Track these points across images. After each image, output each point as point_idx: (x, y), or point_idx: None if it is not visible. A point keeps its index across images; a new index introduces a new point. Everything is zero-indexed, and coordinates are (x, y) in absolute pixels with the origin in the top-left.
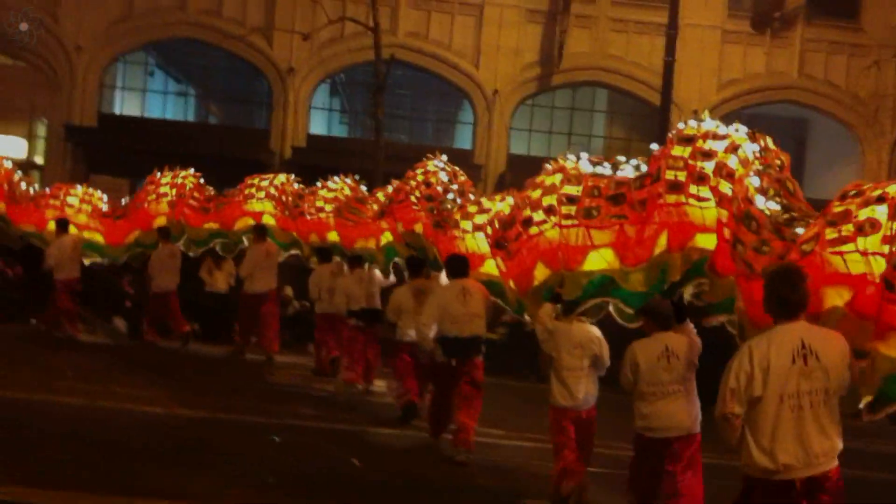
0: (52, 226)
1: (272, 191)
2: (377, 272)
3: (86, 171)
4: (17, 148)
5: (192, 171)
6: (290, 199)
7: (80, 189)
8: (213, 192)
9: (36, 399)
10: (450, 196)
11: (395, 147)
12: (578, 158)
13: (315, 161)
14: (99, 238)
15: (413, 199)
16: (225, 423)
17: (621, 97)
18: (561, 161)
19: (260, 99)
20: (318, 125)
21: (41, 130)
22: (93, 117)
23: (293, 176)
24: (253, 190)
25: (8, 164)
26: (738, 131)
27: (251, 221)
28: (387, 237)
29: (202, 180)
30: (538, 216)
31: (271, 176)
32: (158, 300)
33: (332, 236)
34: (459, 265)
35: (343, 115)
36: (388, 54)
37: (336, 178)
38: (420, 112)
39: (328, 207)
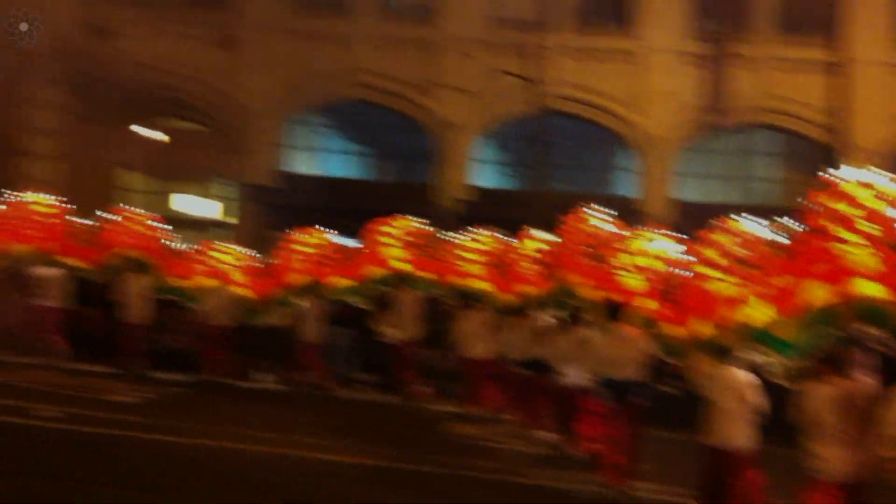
0: (202, 280)
1: (403, 236)
2: (544, 318)
3: (264, 227)
4: (200, 207)
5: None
6: (422, 240)
7: (231, 247)
8: (348, 248)
9: (226, 447)
10: (606, 243)
11: (556, 196)
12: (742, 215)
13: (479, 213)
14: (248, 293)
15: (572, 247)
16: (406, 474)
17: (785, 137)
18: (726, 220)
19: (425, 154)
20: (480, 177)
21: (222, 190)
22: (270, 177)
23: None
24: (383, 237)
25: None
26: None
27: (380, 270)
28: (548, 285)
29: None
30: (706, 270)
31: (399, 222)
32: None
33: (481, 285)
34: (616, 309)
35: (504, 166)
36: (546, 105)
37: (484, 230)
38: (580, 160)
39: (475, 257)
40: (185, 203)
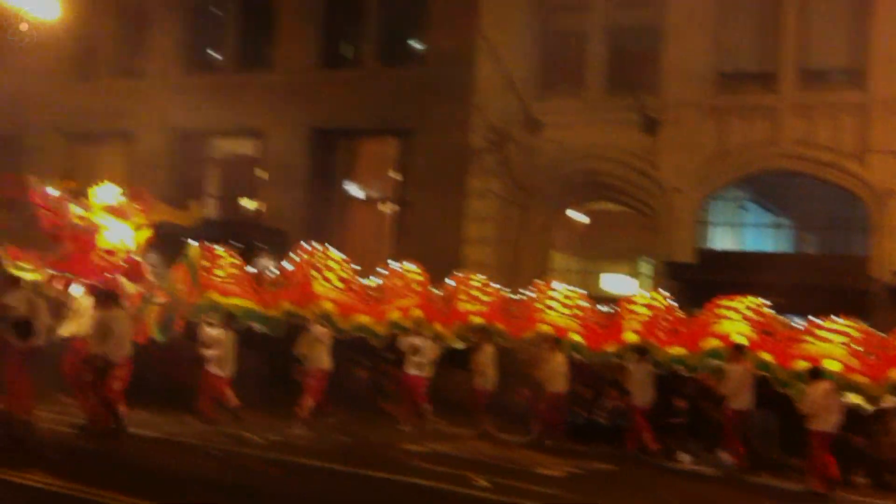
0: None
1: (747, 312)
2: None
3: (683, 304)
4: (624, 285)
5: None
6: (765, 320)
7: (562, 288)
8: (681, 314)
9: None
10: None
11: None
12: None
13: None
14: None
15: None
16: None
17: None
18: None
19: (857, 224)
20: None
21: (645, 268)
22: (691, 254)
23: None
24: (724, 311)
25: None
26: None
27: (716, 342)
28: None
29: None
30: None
31: (744, 297)
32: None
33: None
34: None
35: None
36: None
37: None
38: None
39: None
40: (612, 282)
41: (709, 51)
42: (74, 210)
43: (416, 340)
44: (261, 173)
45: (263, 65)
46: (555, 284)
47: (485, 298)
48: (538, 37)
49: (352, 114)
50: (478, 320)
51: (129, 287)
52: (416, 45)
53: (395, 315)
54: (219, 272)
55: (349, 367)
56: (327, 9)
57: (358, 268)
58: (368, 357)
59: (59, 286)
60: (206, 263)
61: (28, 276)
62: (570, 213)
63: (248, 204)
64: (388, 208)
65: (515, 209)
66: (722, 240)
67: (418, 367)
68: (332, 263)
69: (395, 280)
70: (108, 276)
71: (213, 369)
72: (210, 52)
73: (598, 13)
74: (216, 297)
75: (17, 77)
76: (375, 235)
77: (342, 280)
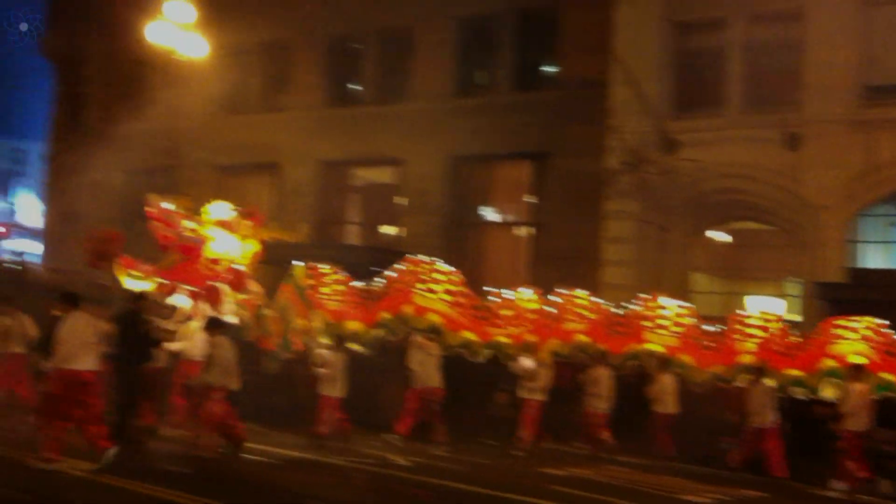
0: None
1: (866, 332)
2: None
3: None
4: (772, 306)
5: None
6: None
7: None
8: (797, 336)
9: None
10: None
11: None
12: None
13: None
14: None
15: None
16: None
17: None
18: None
19: None
20: None
21: (792, 289)
22: (840, 273)
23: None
24: (842, 331)
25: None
26: None
27: (832, 363)
28: None
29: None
30: None
31: (862, 318)
32: None
33: None
34: None
35: None
36: None
37: None
38: None
39: None
40: (758, 303)
41: (853, 64)
42: (186, 223)
43: (529, 363)
44: (399, 200)
45: (401, 95)
46: (662, 300)
47: (590, 316)
48: (673, 56)
49: (487, 139)
50: (583, 339)
51: (231, 295)
52: (550, 69)
53: (501, 336)
54: (324, 290)
55: (491, 391)
56: (461, 39)
57: (490, 290)
58: (507, 381)
59: (163, 293)
60: (310, 282)
61: (140, 284)
62: (711, 233)
63: (387, 230)
64: (523, 232)
65: (653, 230)
66: (873, 258)
67: (531, 392)
68: (437, 276)
69: (511, 305)
70: (211, 283)
71: (326, 390)
72: (351, 85)
73: (736, 30)
74: (326, 317)
75: (172, 113)
76: (511, 259)
77: (449, 293)
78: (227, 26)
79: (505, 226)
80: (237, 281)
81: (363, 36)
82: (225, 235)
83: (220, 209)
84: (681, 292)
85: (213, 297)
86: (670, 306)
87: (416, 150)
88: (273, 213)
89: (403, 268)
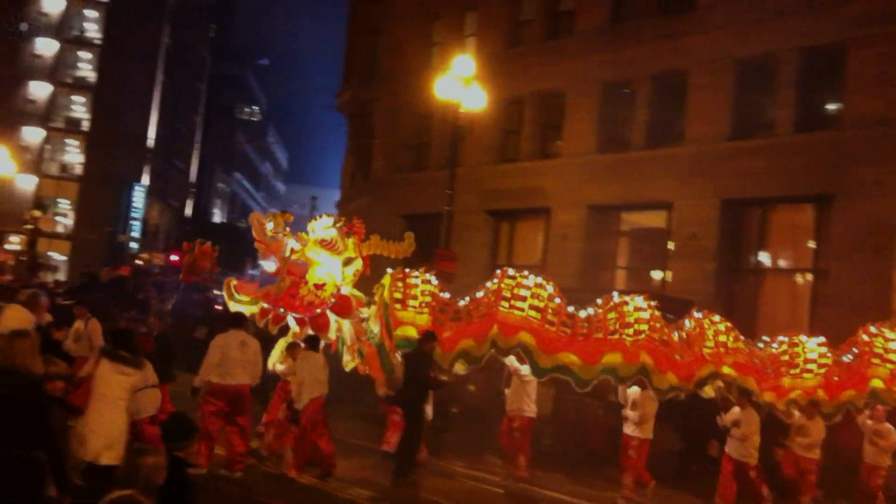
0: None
1: None
2: None
3: None
4: None
5: None
6: None
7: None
8: None
9: None
10: None
11: None
12: None
13: None
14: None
15: None
16: None
17: None
18: None
19: None
20: None
21: None
22: None
23: None
24: None
25: None
26: None
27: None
28: None
29: None
30: None
31: None
32: None
33: None
34: None
35: None
36: None
37: None
38: None
39: None
40: None
41: None
42: (290, 244)
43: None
44: (669, 245)
45: (672, 139)
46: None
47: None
48: None
49: (763, 182)
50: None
51: (339, 322)
52: (833, 107)
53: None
54: (412, 302)
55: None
56: (739, 79)
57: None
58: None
59: (268, 320)
60: (397, 295)
61: (245, 308)
62: None
63: (655, 274)
64: (802, 278)
65: None
66: None
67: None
68: (521, 291)
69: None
70: (317, 310)
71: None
72: (622, 130)
73: None
74: (410, 333)
75: (450, 162)
76: (790, 306)
77: (535, 309)
78: (503, 78)
79: (782, 272)
80: (342, 306)
81: (637, 81)
82: (328, 257)
83: (321, 226)
84: None
85: (319, 326)
86: (812, 346)
87: (687, 194)
88: (543, 257)
89: (490, 286)
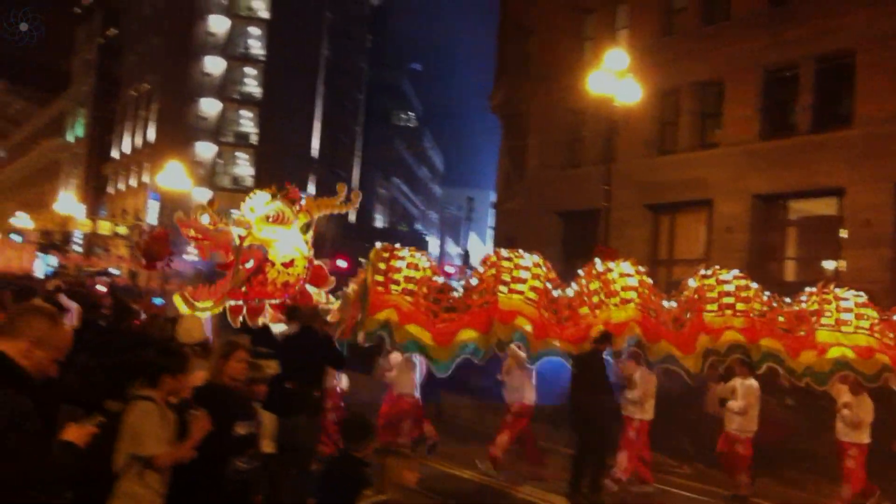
0: None
1: None
2: None
3: None
4: None
5: None
6: None
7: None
8: None
9: None
10: None
11: None
12: None
13: None
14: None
15: None
16: None
17: None
18: None
19: None
20: None
21: None
22: None
23: None
24: None
25: None
26: None
27: None
28: None
29: None
30: None
31: None
32: None
33: None
34: None
35: None
36: None
37: None
38: None
39: None
40: None
41: None
42: (233, 231)
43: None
44: (841, 232)
45: (840, 121)
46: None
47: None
48: None
49: None
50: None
51: (318, 295)
52: None
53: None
54: (395, 287)
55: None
56: None
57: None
58: None
59: (244, 316)
60: (379, 277)
61: (208, 313)
62: None
63: (828, 264)
64: None
65: None
66: None
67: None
68: (520, 273)
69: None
70: (295, 289)
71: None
72: (785, 115)
73: None
74: (390, 317)
75: (606, 157)
76: None
77: (535, 291)
78: (657, 69)
79: None
80: (318, 276)
81: (799, 63)
82: (283, 231)
83: (260, 203)
84: None
85: (305, 302)
86: (849, 296)
87: (859, 178)
88: (706, 251)
89: (483, 270)
